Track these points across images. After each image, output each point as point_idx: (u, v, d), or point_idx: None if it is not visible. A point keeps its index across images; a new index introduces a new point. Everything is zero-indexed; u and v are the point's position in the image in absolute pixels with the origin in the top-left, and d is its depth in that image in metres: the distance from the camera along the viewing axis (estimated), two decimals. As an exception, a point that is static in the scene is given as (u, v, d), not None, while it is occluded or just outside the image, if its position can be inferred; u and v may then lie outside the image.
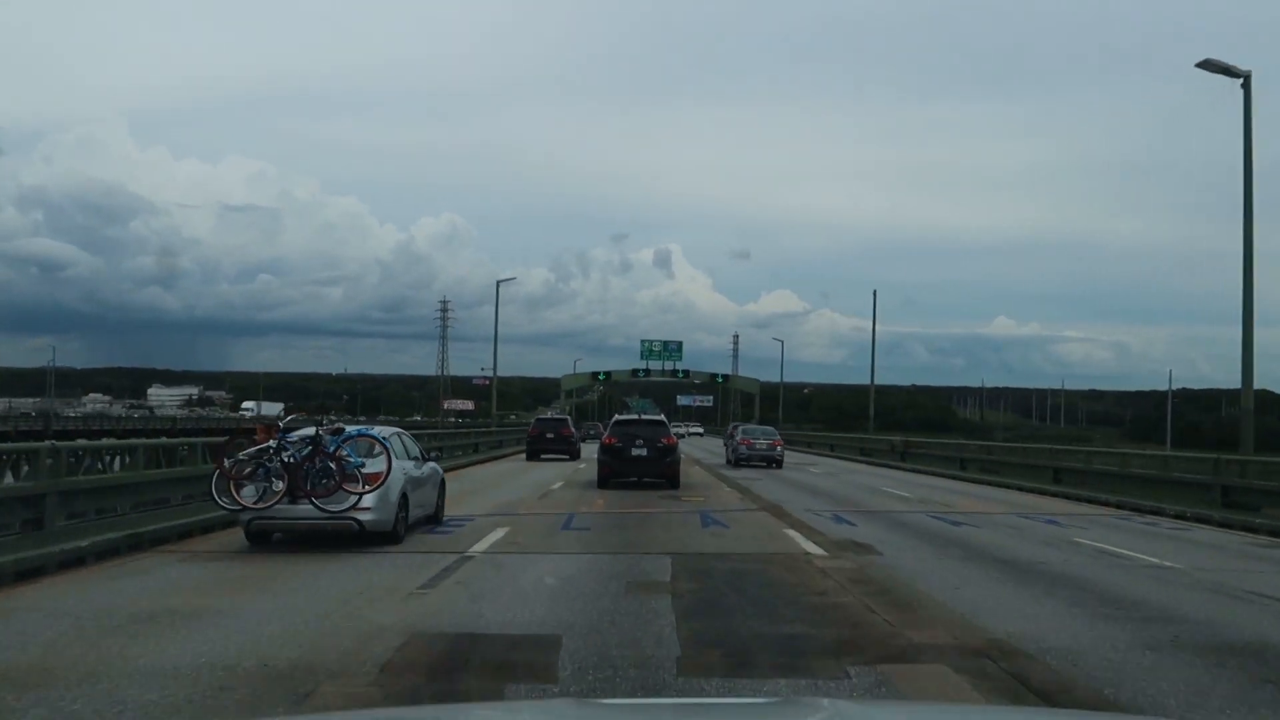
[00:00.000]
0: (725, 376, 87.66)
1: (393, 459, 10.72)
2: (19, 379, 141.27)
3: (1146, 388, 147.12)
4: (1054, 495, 20.88)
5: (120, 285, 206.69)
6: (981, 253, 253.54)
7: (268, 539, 10.66)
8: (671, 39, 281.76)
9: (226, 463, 10.23)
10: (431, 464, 13.14)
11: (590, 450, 28.97)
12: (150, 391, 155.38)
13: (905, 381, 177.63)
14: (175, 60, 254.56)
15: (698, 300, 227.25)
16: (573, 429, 37.20)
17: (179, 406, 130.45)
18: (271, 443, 10.13)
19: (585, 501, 17.23)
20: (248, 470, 10.17)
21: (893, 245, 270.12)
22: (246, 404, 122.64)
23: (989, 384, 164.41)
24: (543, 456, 33.23)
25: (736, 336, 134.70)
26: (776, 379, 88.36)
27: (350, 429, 11.26)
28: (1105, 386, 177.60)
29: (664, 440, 20.72)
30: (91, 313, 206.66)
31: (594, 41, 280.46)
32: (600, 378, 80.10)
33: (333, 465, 10.15)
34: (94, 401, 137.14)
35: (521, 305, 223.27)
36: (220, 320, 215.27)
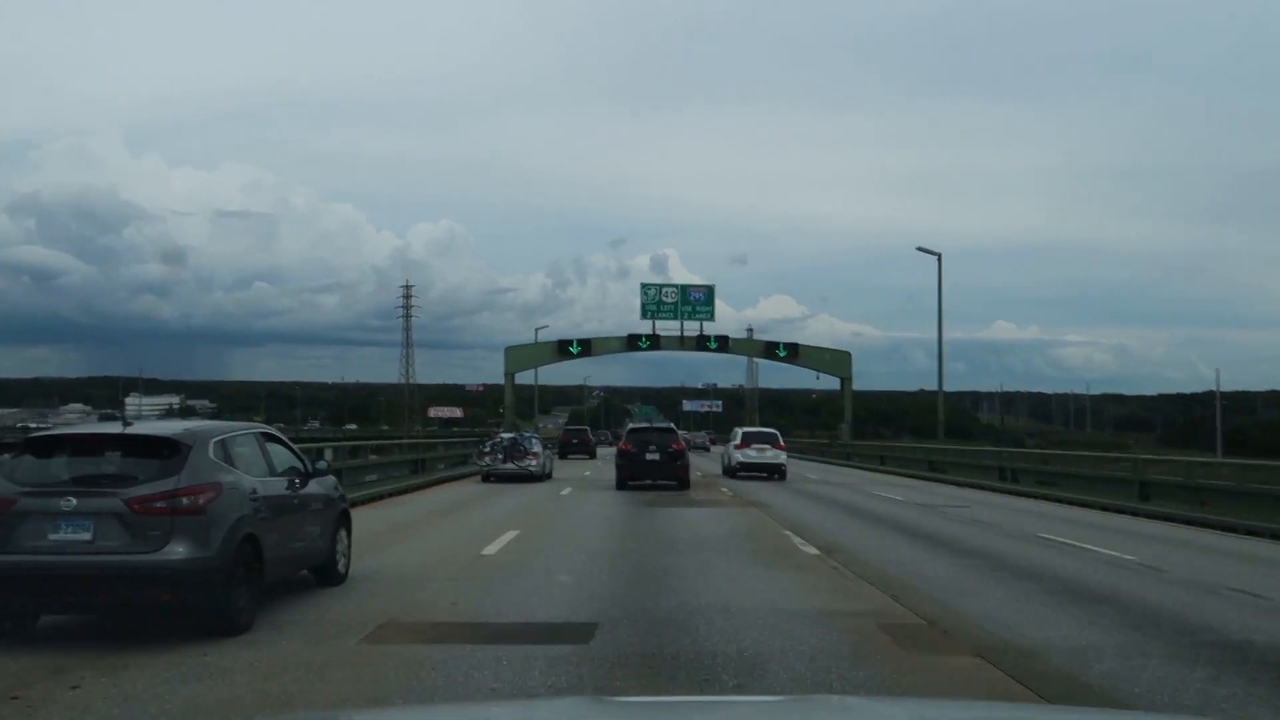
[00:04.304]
0: (793, 347, 62.63)
1: (543, 447, 28.47)
2: (1, 389, 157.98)
3: (1150, 391, 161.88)
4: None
5: (115, 294, 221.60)
6: (979, 257, 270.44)
7: (489, 480, 27.90)
8: (668, 44, 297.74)
9: (481, 446, 28.02)
10: (550, 450, 30.78)
11: (605, 452, 46.63)
12: (128, 401, 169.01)
13: (911, 387, 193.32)
14: (172, 68, 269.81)
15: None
16: (591, 436, 56.18)
17: (158, 417, 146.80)
18: (498, 439, 27.93)
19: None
20: (487, 449, 27.93)
21: (891, 250, 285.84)
22: None
23: (993, 388, 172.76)
24: (569, 456, 50.08)
25: (750, 330, 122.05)
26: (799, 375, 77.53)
27: (526, 433, 29.12)
28: (1106, 390, 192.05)
29: (674, 445, 25.77)
30: (87, 322, 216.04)
31: (591, 47, 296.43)
32: (573, 350, 60.78)
33: (522, 447, 27.78)
34: (72, 412, 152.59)
35: (519, 313, 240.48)
36: (217, 329, 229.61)
